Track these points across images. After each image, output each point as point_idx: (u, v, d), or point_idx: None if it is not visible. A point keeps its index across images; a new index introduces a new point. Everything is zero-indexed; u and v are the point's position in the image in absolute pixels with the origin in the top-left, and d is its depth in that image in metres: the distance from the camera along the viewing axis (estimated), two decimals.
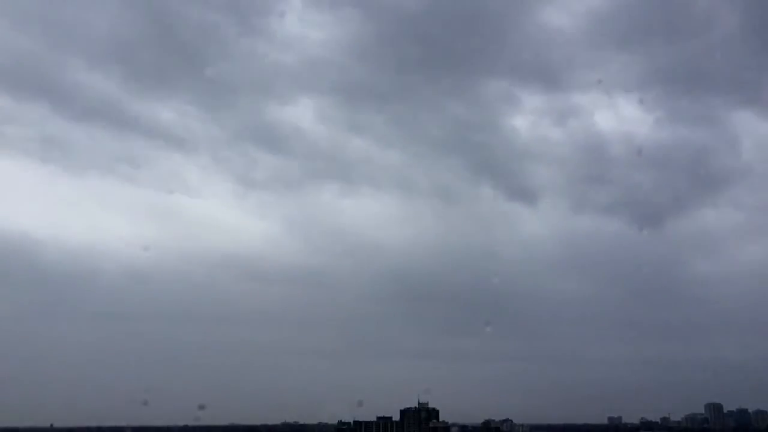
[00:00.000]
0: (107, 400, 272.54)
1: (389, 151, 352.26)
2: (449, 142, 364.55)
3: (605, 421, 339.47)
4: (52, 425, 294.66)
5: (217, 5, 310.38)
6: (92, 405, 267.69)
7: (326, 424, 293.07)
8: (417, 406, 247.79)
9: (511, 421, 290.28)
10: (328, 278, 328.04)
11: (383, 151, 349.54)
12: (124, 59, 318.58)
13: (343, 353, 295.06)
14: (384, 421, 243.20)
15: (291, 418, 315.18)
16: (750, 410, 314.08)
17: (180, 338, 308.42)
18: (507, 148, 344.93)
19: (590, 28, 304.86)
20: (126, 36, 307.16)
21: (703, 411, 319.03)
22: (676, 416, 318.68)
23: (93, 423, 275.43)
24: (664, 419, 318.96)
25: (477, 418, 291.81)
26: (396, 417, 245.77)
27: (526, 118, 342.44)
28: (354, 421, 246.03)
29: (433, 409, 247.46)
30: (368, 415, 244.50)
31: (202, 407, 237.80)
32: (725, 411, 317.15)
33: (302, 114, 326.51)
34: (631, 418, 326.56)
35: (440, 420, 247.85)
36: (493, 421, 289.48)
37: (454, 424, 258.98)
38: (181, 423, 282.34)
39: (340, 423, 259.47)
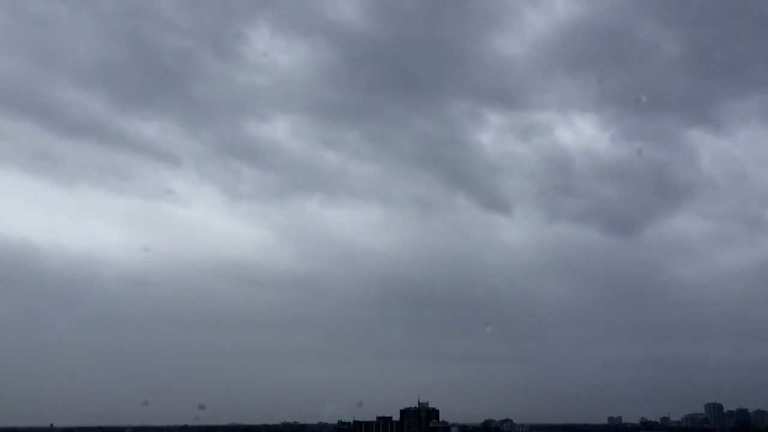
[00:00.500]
0: (107, 400, 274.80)
1: (364, 164, 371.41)
2: (421, 157, 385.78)
3: (605, 421, 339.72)
4: (52, 425, 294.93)
5: (192, 33, 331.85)
6: (92, 405, 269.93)
7: (326, 424, 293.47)
8: (417, 406, 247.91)
9: (511, 421, 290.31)
10: (320, 283, 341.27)
11: (359, 164, 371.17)
12: (109, 81, 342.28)
13: (338, 354, 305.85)
14: (384, 421, 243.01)
15: (291, 418, 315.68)
16: (750, 410, 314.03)
17: (179, 340, 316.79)
18: (477, 161, 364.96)
19: (541, 55, 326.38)
20: (110, 60, 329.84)
21: (703, 411, 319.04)
22: (676, 416, 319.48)
23: (93, 423, 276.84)
24: (664, 419, 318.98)
25: (477, 418, 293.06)
26: (396, 417, 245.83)
27: (492, 135, 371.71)
28: (354, 421, 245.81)
29: (433, 409, 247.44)
30: (368, 415, 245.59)
31: (202, 407, 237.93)
32: (725, 411, 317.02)
33: (279, 131, 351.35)
34: (631, 418, 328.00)
35: (440, 420, 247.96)
36: (493, 421, 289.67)
37: (454, 424, 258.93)
38: (181, 423, 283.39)
39: (340, 423, 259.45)
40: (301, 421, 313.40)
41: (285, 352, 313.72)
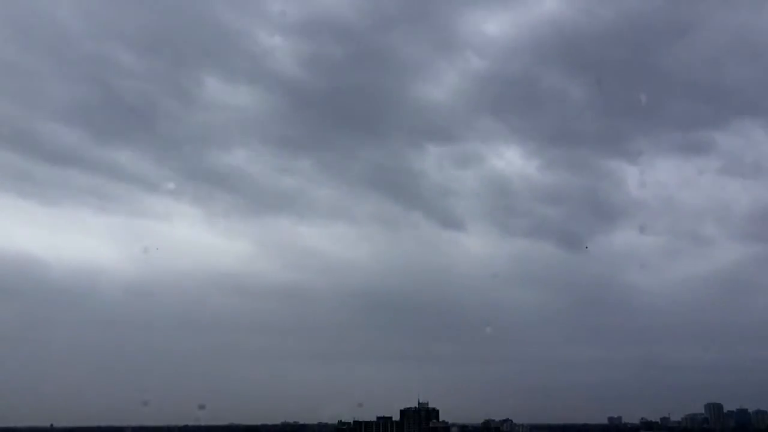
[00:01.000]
0: (107, 400, 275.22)
1: (321, 188, 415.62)
2: (373, 182, 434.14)
3: (605, 421, 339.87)
4: (52, 425, 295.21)
5: (150, 79, 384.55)
6: (92, 405, 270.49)
7: (326, 424, 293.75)
8: (417, 406, 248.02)
9: (511, 421, 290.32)
10: (306, 293, 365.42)
11: (316, 188, 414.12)
12: (81, 118, 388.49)
13: (331, 356, 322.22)
14: (384, 421, 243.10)
15: (291, 418, 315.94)
16: (750, 410, 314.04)
17: (178, 342, 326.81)
18: (425, 186, 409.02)
19: (463, 99, 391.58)
20: (80, 100, 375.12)
21: (703, 411, 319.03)
22: (676, 416, 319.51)
23: (93, 423, 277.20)
24: (664, 419, 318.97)
25: (477, 419, 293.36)
26: (396, 417, 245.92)
27: (434, 163, 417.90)
28: (354, 421, 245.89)
29: (433, 409, 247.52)
30: (368, 415, 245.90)
31: (202, 407, 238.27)
32: (725, 411, 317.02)
33: (239, 160, 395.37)
34: (631, 418, 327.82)
35: (440, 420, 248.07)
36: (493, 421, 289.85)
37: (454, 424, 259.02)
38: (181, 423, 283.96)
39: (340, 423, 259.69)
40: (301, 421, 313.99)
41: (278, 355, 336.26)
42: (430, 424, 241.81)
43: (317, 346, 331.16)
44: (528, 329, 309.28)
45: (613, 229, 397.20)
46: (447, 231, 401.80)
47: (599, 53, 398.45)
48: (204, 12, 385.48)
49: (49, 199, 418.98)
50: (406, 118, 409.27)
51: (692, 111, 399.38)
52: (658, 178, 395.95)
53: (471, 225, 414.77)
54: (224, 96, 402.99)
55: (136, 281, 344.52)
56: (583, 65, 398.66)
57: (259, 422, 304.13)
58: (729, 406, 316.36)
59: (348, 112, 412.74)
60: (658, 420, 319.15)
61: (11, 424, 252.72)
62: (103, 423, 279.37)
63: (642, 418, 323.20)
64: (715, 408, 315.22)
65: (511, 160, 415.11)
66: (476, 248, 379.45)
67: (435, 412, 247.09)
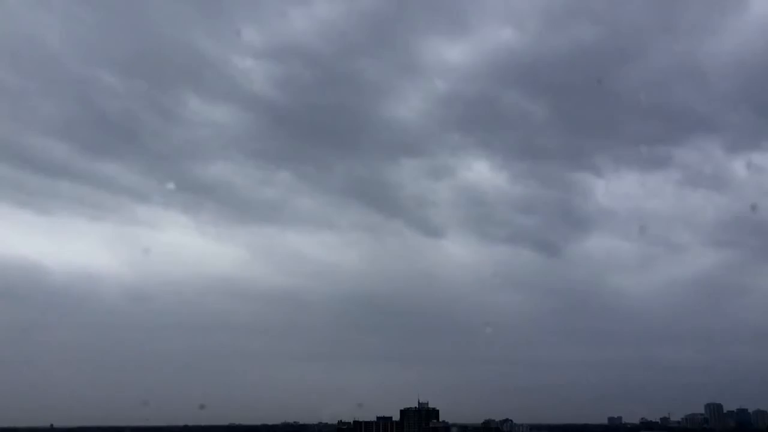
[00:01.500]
0: (107, 400, 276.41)
1: (302, 198, 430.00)
2: (351, 193, 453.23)
3: (605, 421, 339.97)
4: (52, 425, 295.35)
5: (132, 98, 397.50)
6: (92, 405, 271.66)
7: (326, 424, 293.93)
8: (417, 406, 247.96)
9: (511, 421, 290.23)
10: (300, 296, 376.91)
11: (297, 198, 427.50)
12: (69, 134, 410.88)
13: (330, 357, 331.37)
14: (384, 421, 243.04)
15: (291, 418, 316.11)
16: (750, 410, 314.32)
17: (178, 343, 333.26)
18: (402, 197, 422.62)
19: (431, 117, 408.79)
20: (67, 117, 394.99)
21: (703, 411, 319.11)
22: (676, 416, 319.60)
23: (93, 423, 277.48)
24: (664, 419, 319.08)
25: (477, 418, 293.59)
26: (396, 417, 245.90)
27: (408, 175, 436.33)
28: (354, 421, 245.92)
29: (433, 409, 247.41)
30: (368, 415, 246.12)
31: (202, 407, 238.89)
32: (725, 411, 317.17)
33: (222, 172, 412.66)
34: (631, 418, 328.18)
35: (440, 420, 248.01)
36: (493, 421, 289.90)
37: (454, 424, 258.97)
38: (181, 423, 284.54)
39: (340, 423, 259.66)
40: (301, 421, 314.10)
41: (275, 356, 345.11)
42: (430, 424, 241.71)
43: (315, 348, 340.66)
44: (517, 331, 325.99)
45: (587, 237, 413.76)
46: (429, 238, 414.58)
47: (556, 78, 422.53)
48: (182, 38, 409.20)
49: (44, 208, 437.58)
50: (378, 135, 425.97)
51: (647, 129, 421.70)
52: (624, 190, 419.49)
53: (451, 233, 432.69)
54: (205, 114, 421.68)
55: (134, 285, 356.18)
56: (542, 88, 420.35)
57: (259, 422, 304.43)
58: (729, 406, 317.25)
59: (322, 128, 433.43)
60: (658, 420, 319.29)
61: (11, 424, 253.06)
62: (103, 423, 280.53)
63: (642, 418, 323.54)
64: (715, 408, 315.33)
65: (481, 172, 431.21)
66: (458, 255, 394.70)
67: (435, 412, 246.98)
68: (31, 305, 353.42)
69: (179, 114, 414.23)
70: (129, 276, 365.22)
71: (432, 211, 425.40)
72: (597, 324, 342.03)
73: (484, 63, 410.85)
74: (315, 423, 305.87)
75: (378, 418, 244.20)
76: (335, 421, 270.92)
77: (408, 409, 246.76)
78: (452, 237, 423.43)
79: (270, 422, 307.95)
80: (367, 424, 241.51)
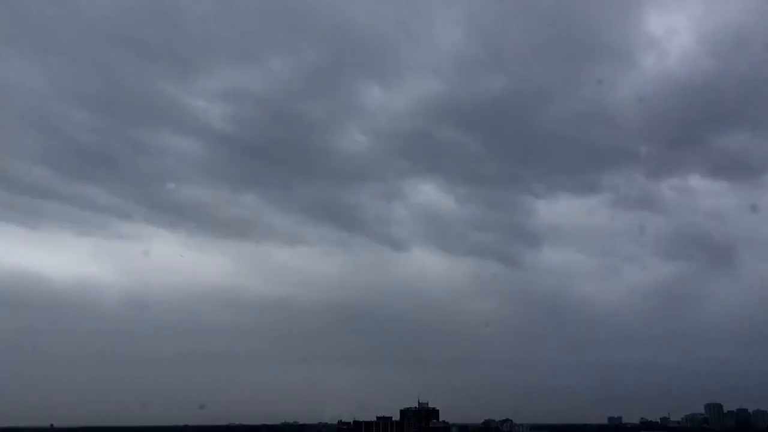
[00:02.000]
0: (107, 400, 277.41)
1: (269, 217, 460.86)
2: (315, 213, 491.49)
3: (605, 421, 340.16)
4: (52, 425, 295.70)
5: (101, 132, 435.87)
6: (92, 405, 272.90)
7: (326, 424, 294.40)
8: (417, 406, 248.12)
9: (511, 421, 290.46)
10: (290, 304, 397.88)
11: (265, 217, 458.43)
12: (49, 161, 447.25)
13: (329, 359, 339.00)
14: (384, 421, 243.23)
15: (291, 418, 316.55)
16: (750, 410, 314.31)
17: (178, 344, 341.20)
18: (362, 216, 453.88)
19: (374, 149, 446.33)
20: (49, 147, 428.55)
21: (703, 411, 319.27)
22: (676, 416, 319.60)
23: (93, 423, 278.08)
24: (664, 419, 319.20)
25: (477, 418, 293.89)
26: (396, 417, 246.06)
27: (365, 198, 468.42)
28: (354, 421, 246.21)
29: (433, 409, 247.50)
30: (368, 415, 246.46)
31: (202, 407, 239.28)
32: (725, 411, 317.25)
33: (194, 194, 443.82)
34: (631, 418, 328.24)
35: (440, 420, 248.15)
36: (493, 421, 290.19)
37: (454, 424, 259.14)
38: (181, 423, 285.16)
39: (341, 423, 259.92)
40: (302, 421, 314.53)
41: (273, 358, 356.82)
42: (430, 424, 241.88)
43: (311, 351, 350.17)
44: (496, 334, 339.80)
45: (540, 251, 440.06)
46: (398, 252, 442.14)
47: (483, 117, 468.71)
48: (147, 83, 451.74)
49: (34, 225, 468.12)
50: (330, 163, 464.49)
51: (574, 160, 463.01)
52: (564, 210, 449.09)
53: (415, 247, 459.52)
54: (172, 145, 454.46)
55: (129, 292, 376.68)
56: (472, 125, 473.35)
57: (259, 422, 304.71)
58: (729, 406, 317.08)
59: (278, 158, 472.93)
60: (658, 420, 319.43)
61: (11, 424, 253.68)
62: (103, 423, 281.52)
63: (642, 418, 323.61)
64: (715, 408, 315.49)
65: (430, 194, 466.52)
66: (429, 266, 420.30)
67: (435, 412, 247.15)
68: (30, 310, 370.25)
69: (148, 145, 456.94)
70: (124, 284, 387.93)
71: (393, 228, 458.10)
72: (571, 327, 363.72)
73: (415, 105, 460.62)
74: (315, 423, 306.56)
75: (378, 418, 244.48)
76: (335, 421, 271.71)
77: (408, 409, 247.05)
78: (417, 251, 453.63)
79: (270, 422, 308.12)
80: (367, 424, 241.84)
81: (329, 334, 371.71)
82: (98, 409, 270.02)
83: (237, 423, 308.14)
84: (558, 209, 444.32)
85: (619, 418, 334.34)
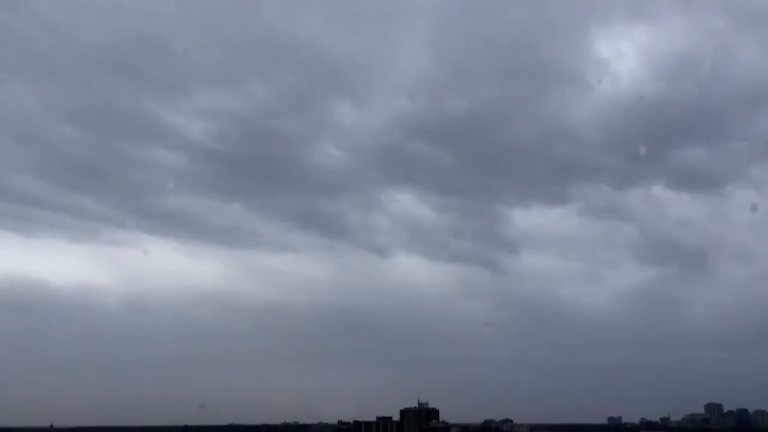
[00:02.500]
0: (107, 400, 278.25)
1: (255, 226, 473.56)
2: (297, 221, 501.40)
3: (605, 421, 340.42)
4: (52, 425, 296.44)
5: (94, 147, 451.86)
6: (92, 405, 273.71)
7: (326, 424, 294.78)
8: (417, 406, 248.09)
9: (511, 421, 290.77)
10: (285, 307, 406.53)
11: (251, 226, 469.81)
12: (43, 173, 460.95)
13: (328, 359, 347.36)
14: (384, 421, 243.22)
15: (291, 418, 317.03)
16: (750, 410, 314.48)
17: (178, 345, 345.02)
18: (344, 224, 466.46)
19: (352, 161, 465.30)
20: (39, 160, 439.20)
21: (703, 411, 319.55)
22: (676, 416, 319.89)
23: (93, 423, 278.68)
24: (664, 419, 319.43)
25: (477, 418, 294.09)
26: (396, 417, 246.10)
27: (345, 207, 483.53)
28: (354, 421, 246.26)
29: (433, 409, 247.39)
30: (368, 415, 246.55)
31: (202, 407, 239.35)
32: (725, 411, 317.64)
33: (180, 203, 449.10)
34: (631, 418, 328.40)
35: (440, 420, 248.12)
36: (493, 421, 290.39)
37: (454, 424, 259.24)
38: (181, 423, 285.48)
39: (341, 423, 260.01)
40: (302, 421, 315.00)
41: (277, 358, 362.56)
42: (430, 424, 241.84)
43: (310, 352, 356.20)
44: (485, 335, 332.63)
45: (519, 257, 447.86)
46: (383, 258, 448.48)
47: (452, 133, 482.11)
48: (133, 101, 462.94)
49: (29, 232, 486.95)
50: (308, 175, 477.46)
51: (542, 172, 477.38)
52: (537, 219, 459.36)
53: (398, 253, 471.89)
54: (156, 158, 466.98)
55: (128, 296, 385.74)
56: (442, 141, 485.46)
57: (259, 422, 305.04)
58: (729, 406, 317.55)
59: (258, 171, 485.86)
60: (658, 420, 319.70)
61: (11, 424, 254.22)
62: (103, 423, 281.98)
63: (642, 418, 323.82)
64: (715, 408, 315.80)
65: (407, 203, 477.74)
66: (415, 271, 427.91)
67: (435, 412, 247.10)
68: (29, 313, 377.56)
69: (134, 158, 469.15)
70: (120, 287, 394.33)
71: (376, 235, 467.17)
72: (559, 329, 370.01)
73: (386, 122, 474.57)
74: (315, 423, 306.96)
75: (378, 418, 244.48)
76: (335, 421, 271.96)
77: (408, 409, 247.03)
78: (401, 257, 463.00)
79: (270, 422, 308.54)
80: (367, 424, 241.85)
81: (326, 336, 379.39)
82: (98, 409, 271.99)
83: (237, 423, 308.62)
84: (532, 218, 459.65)
85: (619, 418, 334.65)
